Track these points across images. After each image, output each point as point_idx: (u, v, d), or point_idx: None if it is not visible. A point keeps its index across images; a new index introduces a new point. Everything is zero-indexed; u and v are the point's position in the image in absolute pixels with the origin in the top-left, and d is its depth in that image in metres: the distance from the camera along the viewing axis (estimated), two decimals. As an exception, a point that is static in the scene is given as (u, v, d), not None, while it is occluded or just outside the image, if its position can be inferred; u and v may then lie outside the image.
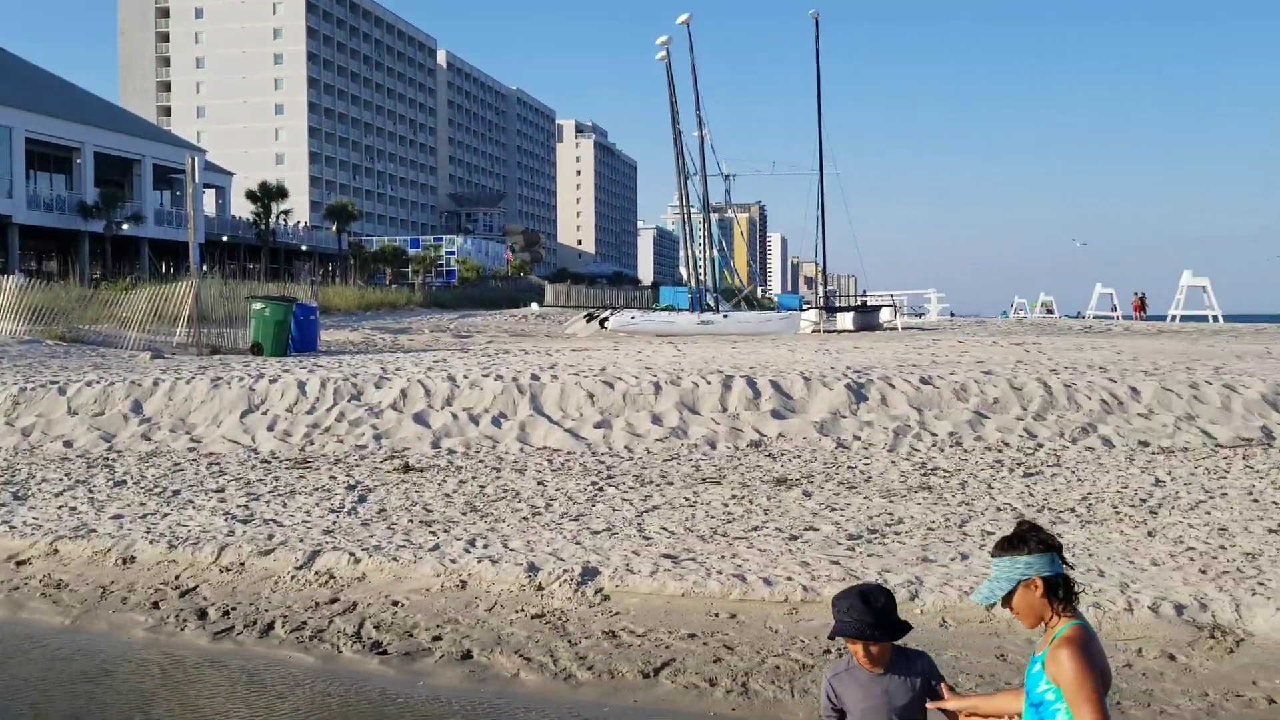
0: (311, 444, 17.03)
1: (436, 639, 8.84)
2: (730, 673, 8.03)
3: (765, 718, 7.52)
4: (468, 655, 8.52)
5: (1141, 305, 73.05)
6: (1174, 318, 66.83)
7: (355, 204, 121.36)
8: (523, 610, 9.29)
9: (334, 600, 9.75)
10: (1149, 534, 11.02)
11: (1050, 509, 12.13)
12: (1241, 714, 7.24)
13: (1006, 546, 4.06)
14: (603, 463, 14.89)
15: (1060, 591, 3.98)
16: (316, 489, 13.75)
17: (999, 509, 12.13)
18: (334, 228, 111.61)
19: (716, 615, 9.10)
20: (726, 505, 12.35)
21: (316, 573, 10.26)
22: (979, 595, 4.11)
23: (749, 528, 11.33)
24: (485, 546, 10.69)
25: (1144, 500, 12.55)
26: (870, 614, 4.30)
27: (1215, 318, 64.28)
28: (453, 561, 10.26)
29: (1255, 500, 12.56)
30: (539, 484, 13.51)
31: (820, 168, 64.85)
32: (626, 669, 8.17)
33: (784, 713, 7.52)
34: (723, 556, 10.25)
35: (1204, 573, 9.63)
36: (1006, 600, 4.03)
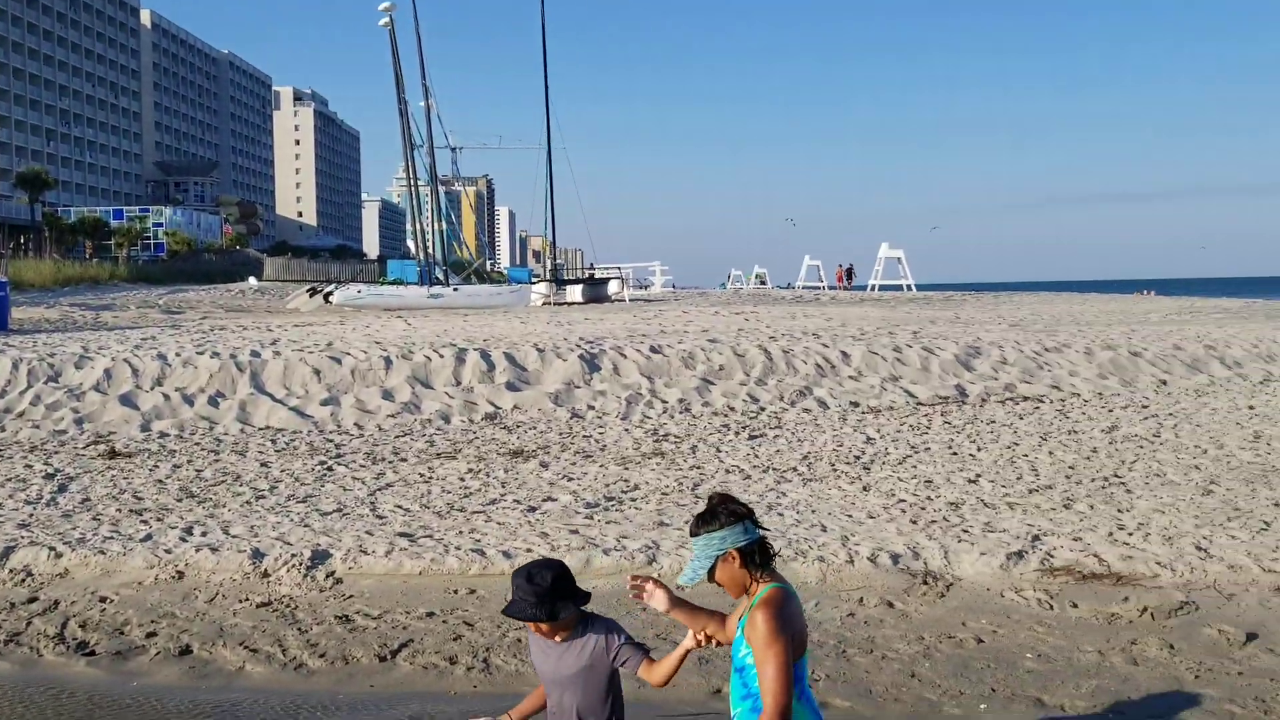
0: (3, 430, 15.54)
1: (151, 635, 8.22)
2: (471, 649, 7.88)
3: (508, 693, 7.39)
4: (186, 650, 7.96)
5: (847, 276, 77.64)
6: (873, 287, 71.47)
7: (49, 172, 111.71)
8: (247, 600, 8.79)
9: (32, 599, 8.89)
10: (864, 489, 11.66)
11: (774, 469, 12.61)
12: (953, 654, 7.74)
13: (700, 524, 4.08)
14: (331, 441, 14.34)
15: (756, 558, 4.02)
16: (10, 479, 12.54)
17: (728, 471, 12.51)
18: (25, 197, 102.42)
19: (455, 592, 8.92)
20: (463, 479, 12.15)
21: (11, 570, 9.34)
22: (684, 578, 4.12)
23: (486, 501, 11.18)
24: (204, 534, 10.05)
25: (858, 457, 13.27)
26: (532, 593, 4.34)
27: (909, 286, 69.18)
28: (167, 552, 9.58)
29: (954, 453, 13.53)
30: (262, 465, 12.85)
31: (549, 140, 65.01)
32: (361, 654, 7.86)
33: (526, 685, 7.36)
34: (460, 532, 10.06)
35: (914, 523, 10.27)
36: (710, 576, 4.04)
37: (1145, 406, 17.29)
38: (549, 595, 4.35)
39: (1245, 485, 11.67)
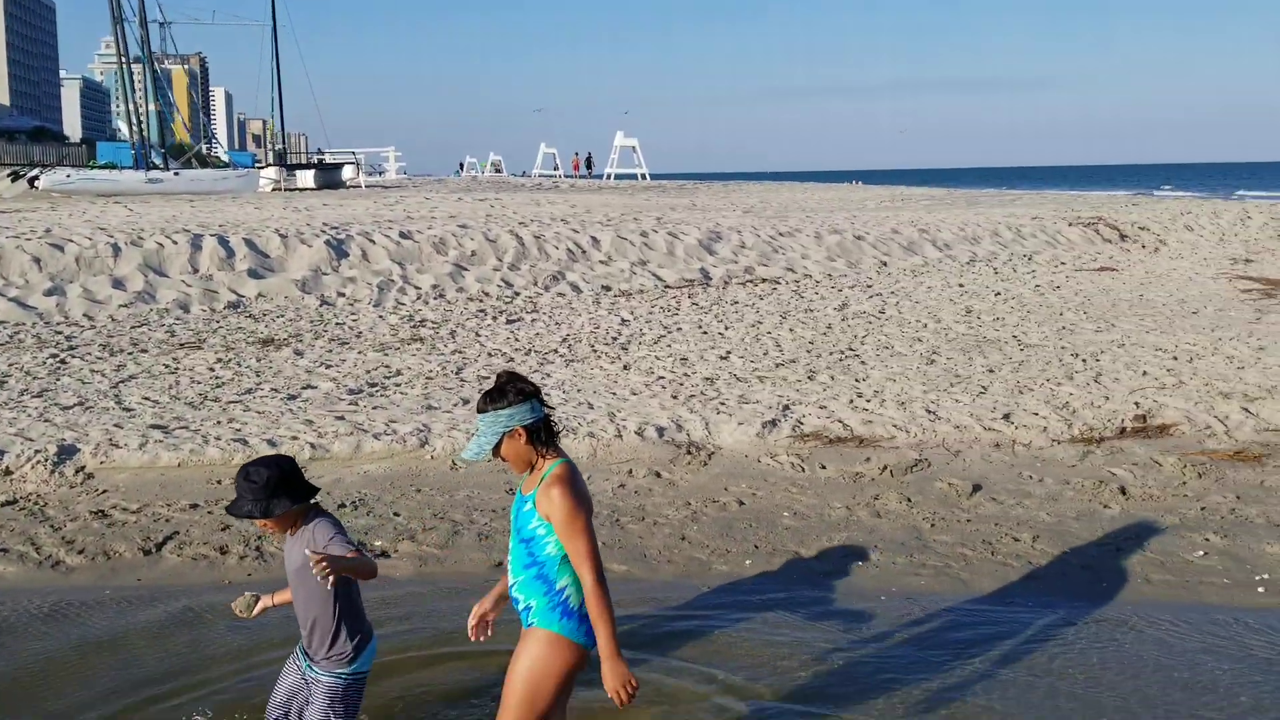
0: None
1: (-121, 543, 7.61)
2: (242, 539, 7.72)
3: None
4: (-76, 554, 7.43)
5: (585, 164, 78.00)
6: (610, 175, 72.19)
7: None
8: (-11, 499, 8.25)
9: None
10: (624, 367, 12.03)
11: (536, 351, 12.80)
12: (719, 517, 8.24)
13: (488, 401, 4.14)
14: (60, 333, 13.40)
15: (542, 435, 4.13)
16: None
17: (490, 354, 12.59)
18: None
19: (219, 483, 8.66)
20: (213, 369, 11.69)
21: None
22: (469, 453, 4.17)
23: (241, 391, 10.82)
24: (-71, 433, 9.29)
25: (615, 338, 13.64)
26: (249, 490, 4.35)
27: (643, 175, 70.32)
28: (-111, 453, 8.81)
29: (705, 332, 14.12)
30: (-16, 360, 11.89)
31: (274, 15, 61.23)
32: (124, 548, 7.56)
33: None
34: (219, 422, 9.73)
35: (675, 398, 10.73)
36: (495, 451, 4.12)
37: (870, 286, 18.51)
38: (264, 492, 4.33)
39: (962, 355, 12.81)
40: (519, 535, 4.21)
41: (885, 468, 9.03)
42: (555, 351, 12.77)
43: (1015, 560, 7.49)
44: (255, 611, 4.93)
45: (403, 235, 18.91)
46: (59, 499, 8.31)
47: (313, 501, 4.55)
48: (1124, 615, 6.68)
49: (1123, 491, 8.63)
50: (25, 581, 7.13)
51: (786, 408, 10.36)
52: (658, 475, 8.97)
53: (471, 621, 4.57)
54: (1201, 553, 7.56)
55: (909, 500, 8.50)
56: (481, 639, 4.57)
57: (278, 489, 4.35)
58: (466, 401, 10.51)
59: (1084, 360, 12.55)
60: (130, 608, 6.72)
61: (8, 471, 8.63)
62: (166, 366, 11.74)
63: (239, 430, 9.49)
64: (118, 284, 15.52)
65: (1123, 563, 7.46)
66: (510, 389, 4.15)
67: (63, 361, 11.89)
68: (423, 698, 5.61)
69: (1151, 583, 7.20)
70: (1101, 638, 6.37)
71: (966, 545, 7.71)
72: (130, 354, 12.32)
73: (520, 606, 4.21)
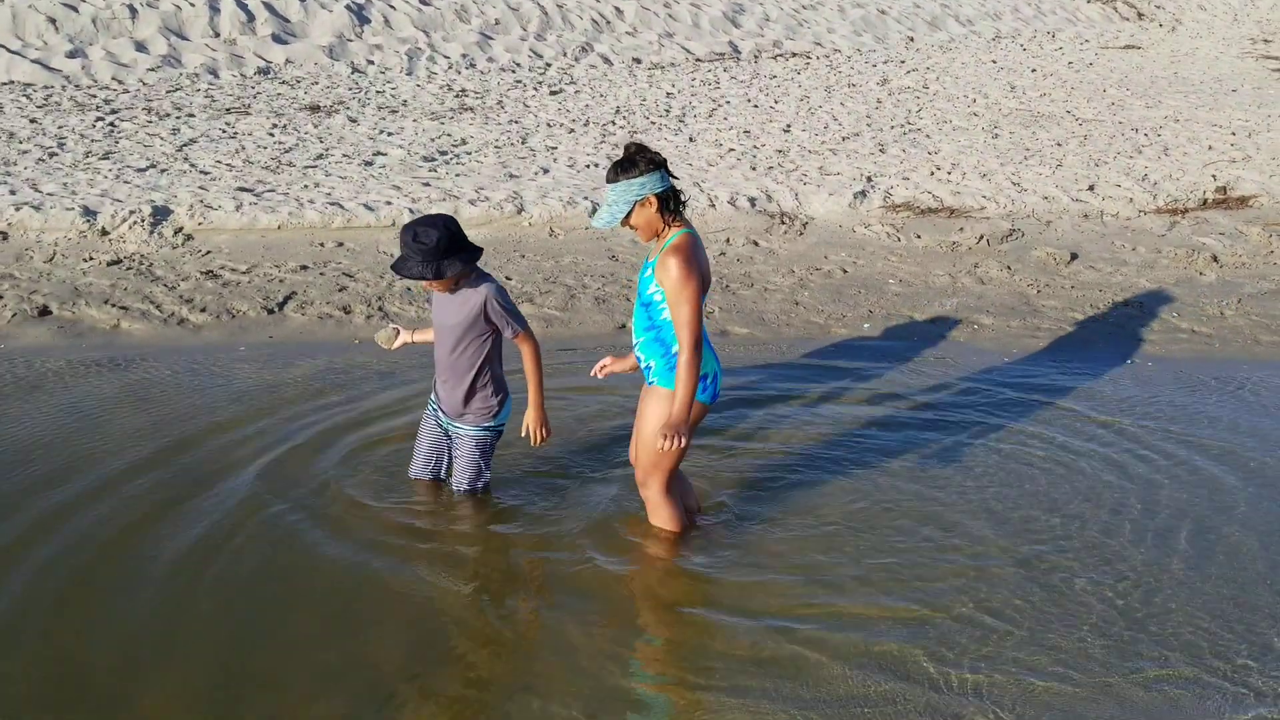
0: None
1: (-4, 298, 7.55)
2: (363, 299, 7.74)
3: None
4: (45, 311, 7.38)
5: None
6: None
7: None
8: (92, 259, 8.15)
9: None
10: (690, 139, 11.88)
11: (594, 122, 12.57)
12: (825, 283, 8.34)
13: (620, 171, 4.15)
14: (94, 96, 12.93)
15: (671, 204, 4.19)
16: None
17: (549, 125, 12.36)
18: None
19: (322, 245, 8.61)
20: (272, 134, 11.40)
21: None
22: (600, 220, 4.22)
23: (312, 156, 10.60)
24: (13, 192, 9.06)
25: (667, 111, 13.39)
26: (419, 251, 4.37)
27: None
28: (-21, 212, 8.63)
29: (755, 106, 13.90)
30: (31, 122, 11.50)
31: None
32: (245, 307, 7.57)
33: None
34: (305, 186, 9.57)
35: (754, 169, 10.66)
36: (625, 220, 4.19)
37: (903, 62, 18.14)
38: (434, 254, 4.37)
39: (1023, 129, 12.75)
40: (640, 300, 4.35)
41: (981, 237, 9.11)
42: (613, 124, 12.55)
43: (1125, 324, 7.69)
44: (396, 344, 5.10)
45: (423, 1, 18.17)
46: (164, 259, 8.23)
47: None
48: (1240, 375, 6.92)
49: (1215, 259, 8.80)
50: (155, 338, 7.14)
51: (870, 179, 10.33)
52: (755, 244, 9.01)
53: (595, 368, 4.90)
54: (1307, 316, 7.79)
55: (1009, 268, 8.62)
56: (600, 375, 4.89)
57: (448, 250, 4.40)
58: (546, 171, 10.38)
59: (1145, 135, 12.54)
60: (274, 363, 6.77)
61: (104, 231, 8.51)
62: (223, 131, 11.43)
63: (328, 194, 9.35)
64: (140, 47, 14.87)
65: (1229, 326, 7.68)
66: (640, 159, 4.18)
67: (112, 125, 11.53)
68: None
69: (1260, 344, 7.44)
70: (1225, 394, 6.63)
71: (1076, 310, 7.88)
72: (178, 118, 11.96)
73: (642, 365, 4.44)
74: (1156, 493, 5.34)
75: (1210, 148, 11.88)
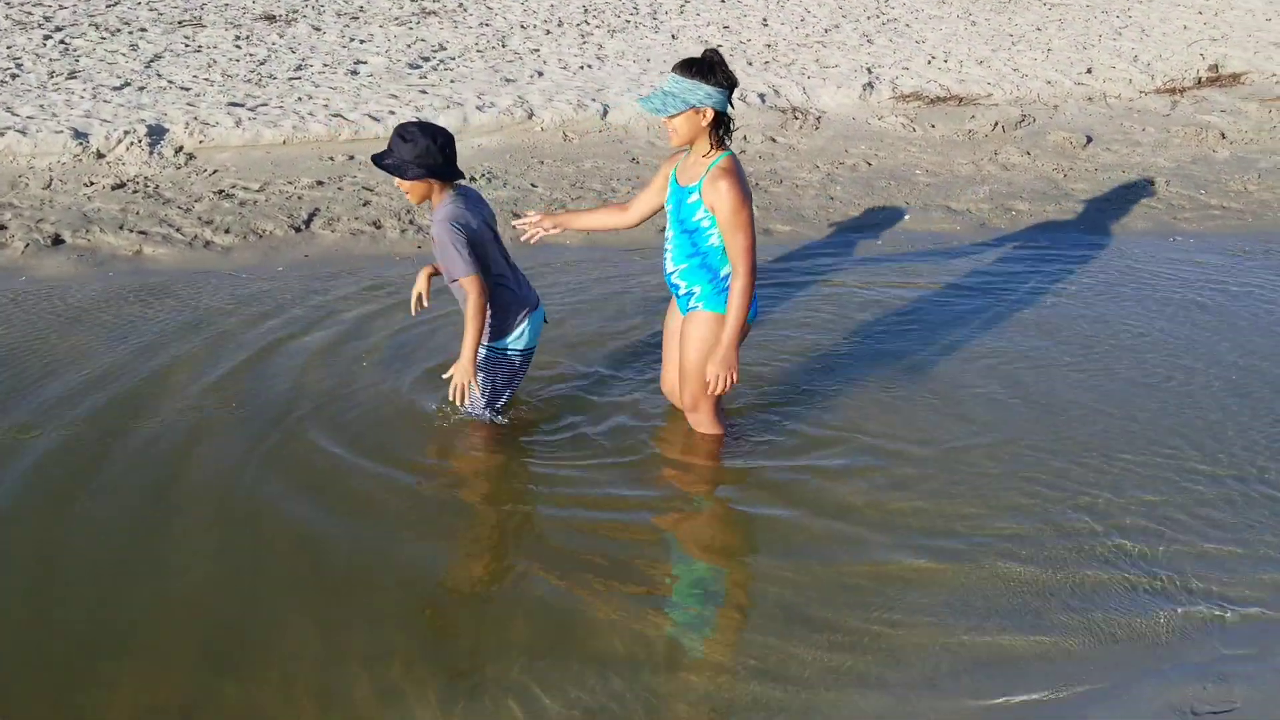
0: None
1: (0, 228, 7.08)
2: (391, 212, 7.45)
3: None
4: (59, 240, 6.93)
5: None
6: None
7: None
8: (94, 183, 7.67)
9: None
10: (672, 37, 11.61)
11: (566, 22, 12.19)
12: (853, 176, 8.27)
13: (694, 70, 3.98)
14: (31, 15, 12.12)
15: (722, 129, 4.06)
16: None
17: (523, 26, 11.96)
18: None
19: (332, 159, 8.24)
20: (239, 47, 10.82)
21: None
22: (651, 105, 4.03)
23: (291, 68, 10.09)
24: (-14, 118, 8.47)
25: (635, 7, 13.04)
26: (399, 148, 4.19)
27: None
28: (-42, 139, 8.05)
29: (722, 0, 13.61)
30: (-28, 42, 10.73)
31: None
32: (271, 226, 7.22)
33: (470, 240, 7.20)
34: (299, 99, 9.11)
35: (750, 64, 10.47)
36: (672, 116, 4.01)
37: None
38: (410, 153, 4.16)
39: (997, 15, 12.74)
40: (681, 226, 4.19)
41: (995, 124, 9.11)
42: (586, 23, 12.19)
43: (1157, 202, 7.79)
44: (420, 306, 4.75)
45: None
46: (169, 180, 7.80)
47: (461, 183, 4.38)
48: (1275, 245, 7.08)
49: (1223, 136, 8.94)
50: (184, 263, 6.78)
51: (870, 70, 10.23)
52: (773, 140, 8.87)
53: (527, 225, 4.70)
54: (1326, 188, 7.98)
55: (1029, 154, 8.65)
56: (527, 236, 4.68)
57: (424, 156, 4.18)
58: (540, 74, 10.06)
59: (1116, 17, 12.63)
60: (320, 281, 6.49)
61: (99, 154, 8.02)
62: (185, 45, 10.82)
63: (326, 106, 8.93)
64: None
65: (1256, 200, 7.83)
66: (720, 70, 3.99)
67: (63, 44, 10.81)
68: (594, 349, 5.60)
69: (1290, 216, 7.61)
70: (1270, 264, 6.77)
71: (1104, 191, 7.96)
72: (131, 34, 11.27)
73: (681, 293, 4.30)
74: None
75: (1185, 27, 12.02)
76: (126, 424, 4.79)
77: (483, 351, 4.50)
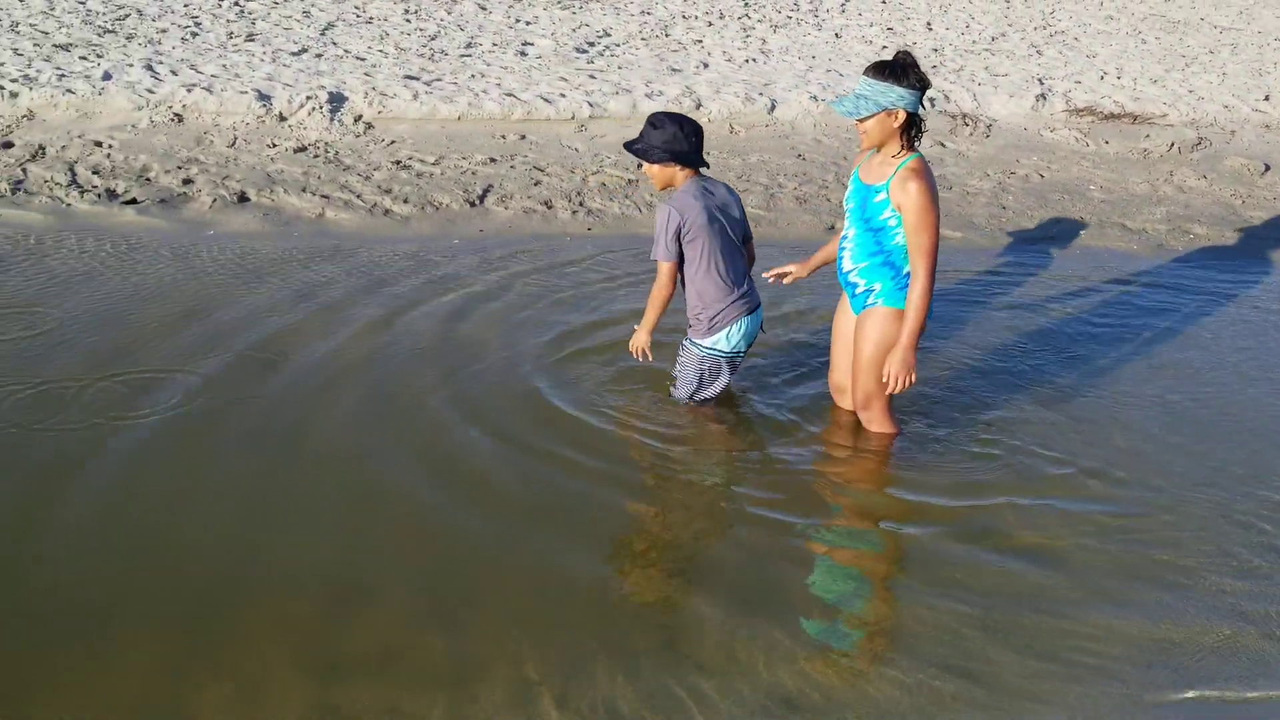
0: None
1: (188, 182, 7.33)
2: (563, 194, 7.54)
3: (619, 233, 7.19)
4: (244, 198, 7.18)
5: None
6: None
7: None
8: (276, 145, 7.92)
9: (6, 144, 7.66)
10: (835, 35, 11.54)
11: (728, 15, 12.19)
12: (1026, 188, 8.13)
13: (887, 73, 3.96)
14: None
15: (913, 130, 4.04)
16: None
17: (685, 16, 12.00)
18: None
19: (504, 138, 8.37)
20: (409, 20, 11.07)
21: (-38, 117, 7.92)
22: (844, 107, 4.04)
23: (461, 45, 10.29)
24: (175, 73, 8.79)
25: (796, 5, 12.99)
26: (649, 134, 4.34)
27: None
28: (150, 91, 8.36)
29: (884, 2, 13.49)
30: None
31: None
32: (447, 199, 7.37)
33: (637, 227, 7.26)
34: (472, 76, 9.28)
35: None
36: (865, 118, 4.00)
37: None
38: (658, 139, 4.30)
39: (1168, 35, 12.40)
40: (867, 225, 4.16)
41: (1172, 144, 8.87)
42: (747, 16, 12.19)
43: (1343, 238, 7.52)
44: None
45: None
46: (349, 148, 8.01)
47: (702, 171, 4.44)
48: None
49: None
50: (367, 229, 6.94)
51: (1043, 81, 10.04)
52: (942, 145, 8.77)
53: (771, 271, 4.76)
54: None
55: (1205, 177, 8.41)
56: (773, 282, 4.77)
57: (670, 142, 4.30)
58: (706, 65, 10.09)
59: (1294, 45, 12.21)
60: (497, 255, 6.60)
61: (282, 117, 8.27)
62: (357, 15, 11.09)
63: (499, 85, 9.08)
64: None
65: None
66: (913, 72, 3.97)
67: (237, 5, 11.18)
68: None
69: None
70: None
71: (1275, 224, 7.71)
72: (301, 1, 11.59)
73: (859, 291, 4.27)
74: None
75: (1371, 58, 11.57)
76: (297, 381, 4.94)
77: (691, 347, 4.60)
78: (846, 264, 4.30)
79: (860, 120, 4.02)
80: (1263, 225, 7.64)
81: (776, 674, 3.26)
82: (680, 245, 4.41)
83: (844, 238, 4.31)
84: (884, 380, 4.17)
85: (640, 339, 4.58)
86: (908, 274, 4.12)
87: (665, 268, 4.40)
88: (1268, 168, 8.61)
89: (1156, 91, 9.92)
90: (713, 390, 4.68)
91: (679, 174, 4.38)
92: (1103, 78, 10.28)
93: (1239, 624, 3.56)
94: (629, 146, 4.41)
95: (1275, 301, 6.38)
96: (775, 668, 3.28)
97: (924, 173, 4.01)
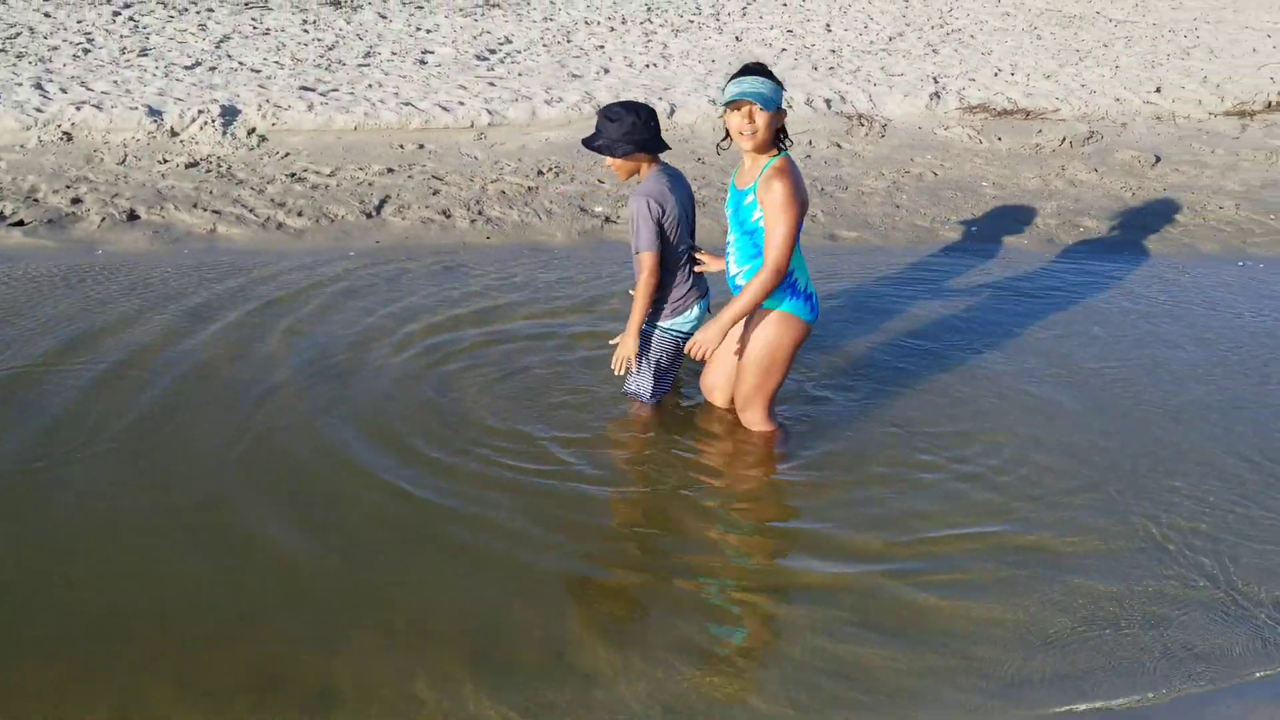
0: None
1: (77, 201, 7.15)
2: (461, 203, 7.49)
3: (521, 243, 7.16)
4: (134, 216, 7.03)
5: None
6: None
7: None
8: (167, 161, 7.77)
9: (-116, 173, 7.43)
10: (736, 39, 11.62)
11: (629, 20, 12.22)
12: (919, 185, 8.25)
13: (767, 74, 4.06)
14: (101, -10, 12.27)
15: (783, 130, 4.12)
16: None
17: (587, 23, 12.00)
18: None
19: (402, 147, 8.30)
20: (306, 31, 10.93)
21: None
22: (763, 99, 3.97)
23: (360, 55, 10.18)
24: (64, 91, 8.59)
25: (698, 10, 13.06)
26: (607, 128, 4.29)
27: None
28: (39, 110, 8.16)
29: (784, 4, 13.60)
30: (46, 16, 10.90)
31: None
32: (344, 211, 7.28)
33: (539, 234, 7.24)
34: (369, 86, 9.19)
35: (816, 69, 10.46)
36: (771, 113, 4.01)
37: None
38: (617, 131, 4.26)
39: (1062, 30, 12.67)
40: (742, 229, 4.21)
41: (1063, 139, 9.06)
42: (649, 21, 12.23)
43: (1226, 225, 7.73)
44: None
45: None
46: (242, 161, 7.89)
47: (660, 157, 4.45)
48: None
49: (1294, 163, 8.87)
50: (257, 243, 6.84)
51: (936, 79, 10.20)
52: (839, 146, 8.87)
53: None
54: (1400, 217, 7.89)
55: (1096, 170, 8.60)
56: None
57: (631, 133, 4.27)
58: (607, 70, 10.10)
59: (1184, 36, 12.53)
60: (391, 265, 6.54)
61: (174, 132, 8.12)
62: (253, 27, 10.93)
63: (396, 93, 9.00)
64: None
65: (1328, 229, 7.76)
66: (773, 76, 4.08)
67: (132, 20, 10.96)
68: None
69: (1364, 245, 7.53)
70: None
71: (1173, 210, 7.90)
72: (199, 13, 11.40)
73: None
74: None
75: (1255, 50, 11.91)
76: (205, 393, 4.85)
77: (651, 330, 4.57)
78: (732, 268, 4.33)
79: (753, 117, 3.98)
80: (1153, 217, 7.83)
81: (657, 681, 3.26)
82: (662, 233, 4.39)
83: (729, 243, 4.34)
84: (695, 351, 4.22)
85: (629, 347, 4.48)
86: (789, 274, 4.16)
87: (651, 259, 4.36)
88: (1158, 159, 8.83)
89: (1050, 87, 10.14)
90: (671, 377, 4.70)
91: (645, 162, 4.38)
92: (997, 74, 10.47)
93: (1115, 626, 3.64)
94: (589, 145, 4.35)
95: (1162, 291, 6.54)
96: (655, 675, 3.29)
97: (789, 170, 4.04)
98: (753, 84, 4.02)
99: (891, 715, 3.20)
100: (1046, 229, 7.57)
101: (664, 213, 4.34)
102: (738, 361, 4.39)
